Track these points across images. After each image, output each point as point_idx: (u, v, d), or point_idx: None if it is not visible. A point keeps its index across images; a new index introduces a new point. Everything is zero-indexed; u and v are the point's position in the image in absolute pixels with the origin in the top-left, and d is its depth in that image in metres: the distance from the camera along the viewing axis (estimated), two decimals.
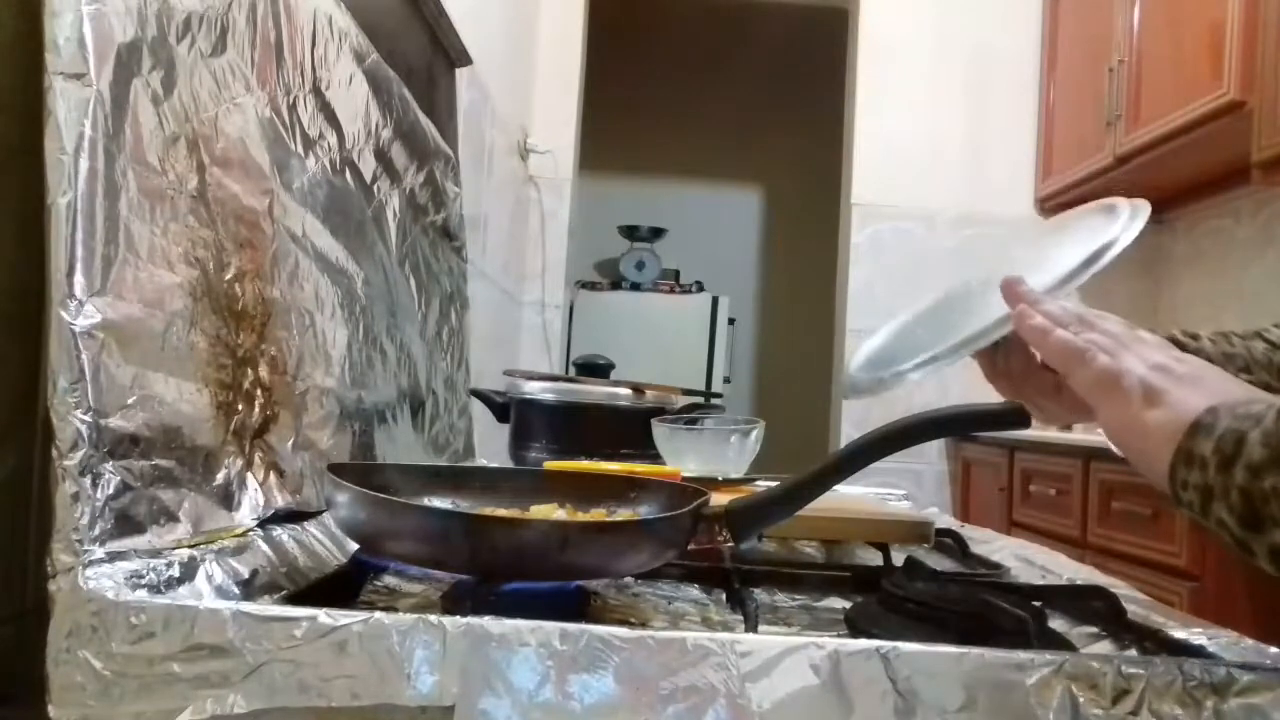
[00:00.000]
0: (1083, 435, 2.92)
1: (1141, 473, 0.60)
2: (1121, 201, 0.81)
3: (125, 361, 0.61)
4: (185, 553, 0.62)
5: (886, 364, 0.82)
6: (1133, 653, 0.67)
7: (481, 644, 0.52)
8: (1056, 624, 0.73)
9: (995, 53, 3.38)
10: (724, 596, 0.79)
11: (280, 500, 0.78)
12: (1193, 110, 2.43)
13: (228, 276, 0.76)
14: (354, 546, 0.79)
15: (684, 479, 0.96)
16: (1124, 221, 0.76)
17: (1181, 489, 0.55)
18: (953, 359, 0.75)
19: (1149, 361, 0.60)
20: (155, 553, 0.60)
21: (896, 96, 3.40)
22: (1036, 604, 0.67)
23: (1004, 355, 0.81)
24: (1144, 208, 0.78)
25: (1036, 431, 2.91)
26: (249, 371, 0.78)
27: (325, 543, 0.80)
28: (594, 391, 1.41)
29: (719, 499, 0.71)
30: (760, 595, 0.81)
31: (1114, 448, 0.62)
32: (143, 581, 0.57)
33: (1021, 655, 0.53)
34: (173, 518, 0.64)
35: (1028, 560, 0.99)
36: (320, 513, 0.82)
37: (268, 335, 0.82)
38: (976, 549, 1.04)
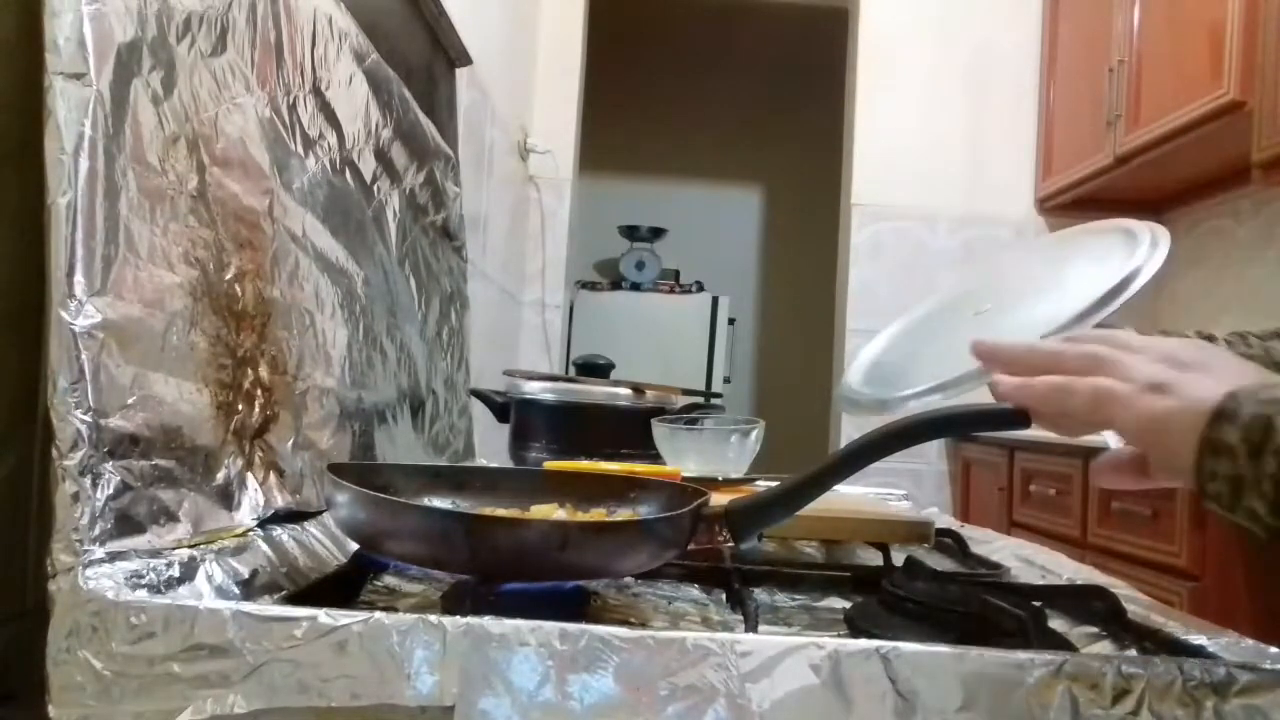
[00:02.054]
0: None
1: (1162, 468, 0.58)
2: (1139, 226, 0.77)
3: (125, 361, 0.61)
4: (185, 553, 0.62)
5: (888, 382, 0.80)
6: (1133, 653, 0.67)
7: (481, 644, 0.52)
8: (1056, 624, 0.73)
9: (995, 53, 3.38)
10: (724, 596, 0.79)
11: (280, 500, 0.78)
12: (1193, 110, 2.43)
13: (228, 276, 0.76)
14: (354, 546, 0.79)
15: (684, 479, 0.96)
16: (1145, 249, 0.72)
17: (1210, 480, 0.53)
18: (959, 392, 0.72)
19: (1154, 355, 0.58)
20: (155, 553, 0.60)
21: (896, 97, 3.40)
22: (1036, 604, 0.67)
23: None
24: (1165, 235, 0.74)
25: (1036, 431, 2.90)
26: (249, 371, 0.78)
27: (325, 543, 0.80)
28: (594, 391, 1.41)
29: (719, 499, 0.71)
30: (760, 595, 0.81)
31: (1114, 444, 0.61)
32: (143, 581, 0.57)
33: (1021, 655, 0.53)
34: (173, 518, 0.64)
35: (1028, 560, 0.99)
36: (320, 513, 0.82)
37: (268, 335, 0.82)
38: (976, 549, 1.04)
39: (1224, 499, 0.53)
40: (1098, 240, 0.82)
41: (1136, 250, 0.73)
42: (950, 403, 0.73)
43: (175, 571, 0.60)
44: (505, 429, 1.47)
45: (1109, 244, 0.78)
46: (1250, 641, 0.64)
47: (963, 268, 3.31)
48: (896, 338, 0.92)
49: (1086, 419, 0.59)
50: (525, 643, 0.52)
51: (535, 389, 1.42)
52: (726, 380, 4.41)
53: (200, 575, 0.62)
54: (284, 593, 0.69)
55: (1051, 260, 0.87)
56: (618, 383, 1.42)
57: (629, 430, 1.30)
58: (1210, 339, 0.78)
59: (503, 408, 1.46)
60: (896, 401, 0.76)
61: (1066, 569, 0.94)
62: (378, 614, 0.52)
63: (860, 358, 0.91)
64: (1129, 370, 0.57)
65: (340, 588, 0.75)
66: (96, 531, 0.56)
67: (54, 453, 0.56)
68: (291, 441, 0.83)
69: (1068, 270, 0.80)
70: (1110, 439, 0.62)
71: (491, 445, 1.72)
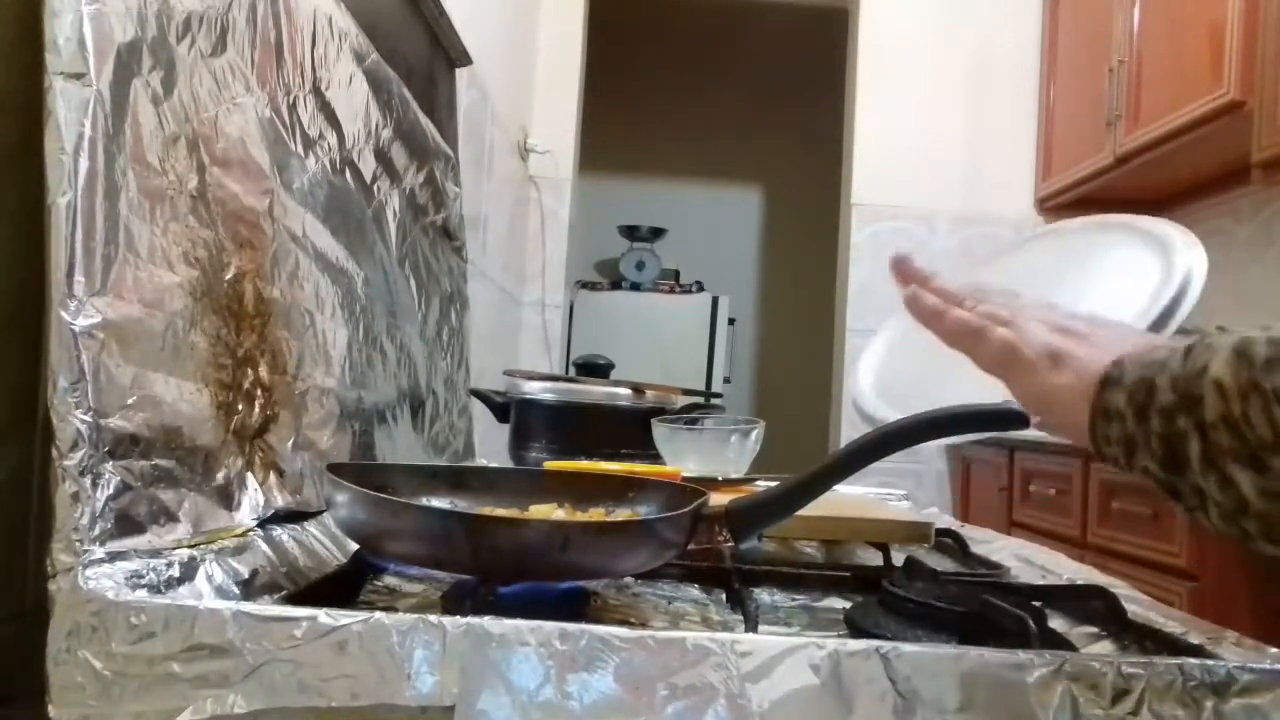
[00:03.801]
0: None
1: (1059, 436, 0.61)
2: (1172, 233, 0.76)
3: (125, 361, 0.61)
4: (185, 553, 0.62)
5: (901, 396, 0.80)
6: (1133, 653, 0.67)
7: (481, 644, 0.52)
8: (1056, 624, 0.73)
9: (995, 53, 3.38)
10: (724, 596, 0.79)
11: (280, 500, 0.78)
12: (1193, 110, 2.43)
13: (228, 276, 0.76)
14: (354, 546, 0.79)
15: (684, 479, 0.96)
16: (1183, 272, 0.72)
17: (1105, 444, 0.56)
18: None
19: (1048, 323, 0.61)
20: (155, 553, 0.60)
21: (896, 97, 3.40)
22: (1036, 604, 0.67)
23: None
24: (1197, 246, 0.74)
25: (1036, 432, 2.91)
26: (249, 371, 0.78)
27: (325, 543, 0.80)
28: (594, 391, 1.41)
29: (719, 499, 0.71)
30: (760, 595, 0.81)
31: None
32: (143, 581, 0.57)
33: (1021, 655, 0.53)
34: (173, 518, 0.64)
35: (1028, 560, 0.99)
36: (320, 513, 0.82)
37: (268, 335, 0.82)
38: (976, 549, 1.04)
39: (1119, 460, 0.55)
40: (1125, 252, 0.81)
41: (1174, 270, 0.73)
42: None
43: (175, 571, 0.60)
44: (505, 429, 1.47)
45: (1136, 257, 0.78)
46: (1250, 641, 0.64)
47: (964, 268, 3.31)
48: (900, 342, 0.91)
49: (987, 368, 0.63)
50: (525, 643, 0.52)
51: (535, 389, 1.42)
52: (726, 380, 4.41)
53: (200, 575, 0.62)
54: (284, 593, 0.69)
55: (1080, 278, 0.86)
56: (618, 383, 1.42)
57: (629, 430, 1.30)
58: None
59: (503, 408, 1.46)
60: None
61: (1066, 569, 0.94)
62: (378, 614, 0.52)
63: (865, 361, 0.91)
64: (1030, 336, 0.60)
65: (340, 588, 0.75)
66: (96, 531, 0.56)
67: (54, 453, 0.56)
68: (291, 441, 0.83)
69: (1092, 290, 0.79)
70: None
71: (491, 445, 1.72)
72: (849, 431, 3.28)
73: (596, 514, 0.78)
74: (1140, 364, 0.54)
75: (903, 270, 0.70)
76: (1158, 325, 0.71)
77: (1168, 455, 0.51)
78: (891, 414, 0.80)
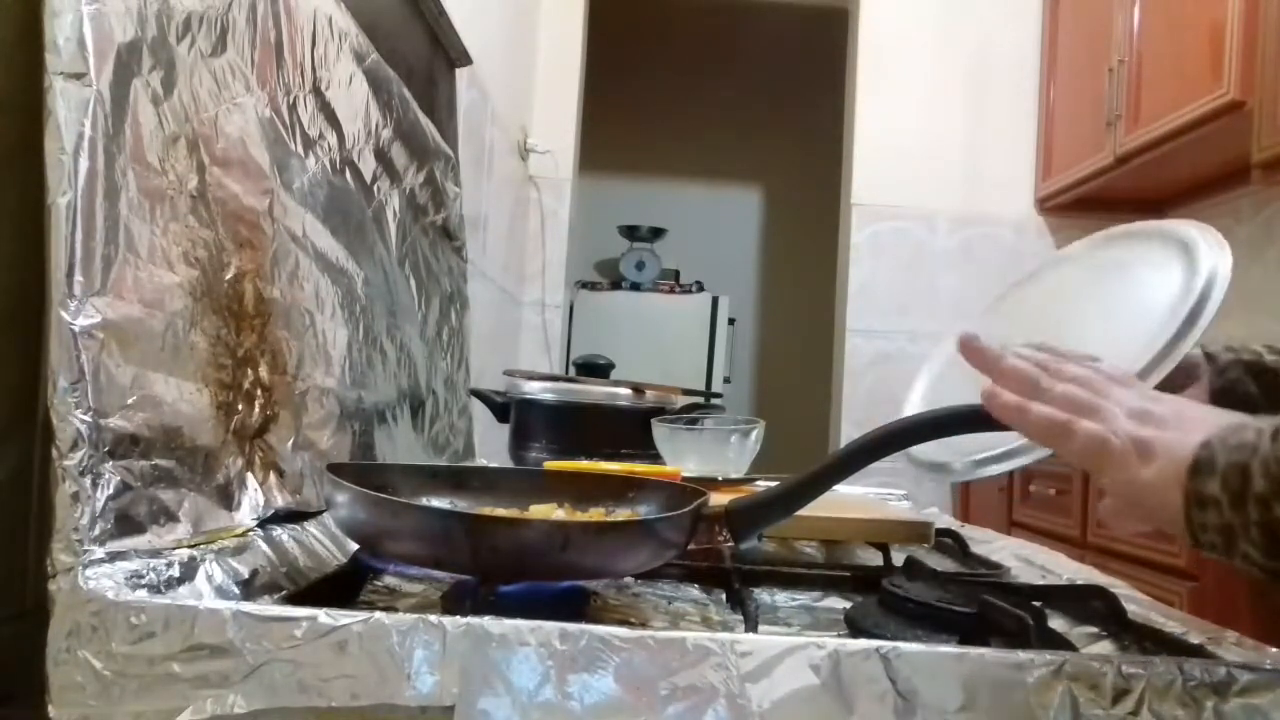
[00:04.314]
0: None
1: (1158, 526, 0.59)
2: (1194, 234, 0.76)
3: (125, 361, 0.61)
4: (185, 553, 0.62)
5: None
6: (1133, 653, 0.67)
7: (481, 644, 0.52)
8: (1056, 624, 0.73)
9: (995, 53, 3.38)
10: (724, 596, 0.79)
11: (280, 500, 0.78)
12: (1193, 110, 2.43)
13: (228, 276, 0.76)
14: (354, 546, 0.79)
15: (684, 479, 0.96)
16: (1207, 271, 0.72)
17: (1201, 531, 0.54)
18: (1027, 460, 0.72)
19: (1127, 409, 0.59)
20: (155, 553, 0.60)
21: (896, 96, 3.40)
22: (1036, 604, 0.67)
23: None
24: (1222, 244, 0.73)
25: None
26: (249, 371, 0.78)
27: (325, 543, 0.80)
28: (594, 391, 1.41)
29: (719, 499, 0.71)
30: (760, 595, 0.81)
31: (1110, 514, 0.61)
32: (143, 581, 0.57)
33: (1021, 655, 0.53)
34: (173, 518, 0.64)
35: (1028, 560, 0.99)
36: (320, 513, 0.82)
37: (268, 335, 0.82)
38: (976, 549, 1.04)
39: (1219, 548, 0.54)
40: (1146, 255, 0.81)
41: (1198, 272, 0.72)
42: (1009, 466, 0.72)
43: (175, 571, 0.60)
44: (505, 429, 1.47)
45: (1157, 259, 0.77)
46: (1250, 641, 0.64)
47: (964, 268, 3.31)
48: (948, 367, 0.90)
49: (1077, 464, 0.61)
50: (525, 643, 0.52)
51: (535, 389, 1.42)
52: (726, 380, 4.41)
53: (200, 575, 0.62)
54: (284, 593, 0.69)
55: (1103, 292, 0.85)
56: (618, 383, 1.42)
57: (629, 430, 1.30)
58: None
59: (503, 408, 1.46)
60: (965, 468, 0.76)
61: (1066, 569, 0.94)
62: (378, 614, 0.52)
63: (910, 402, 0.90)
64: (1114, 423, 0.59)
65: (340, 588, 0.75)
66: (96, 531, 0.56)
67: (54, 453, 0.56)
68: (291, 441, 0.83)
69: (1116, 305, 0.79)
70: None
71: (491, 445, 1.72)
72: (849, 431, 3.28)
73: (596, 514, 0.78)
74: (1229, 447, 0.53)
75: (972, 354, 0.67)
76: (1183, 330, 0.70)
77: (1269, 543, 0.51)
78: (944, 455, 0.79)
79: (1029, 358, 0.65)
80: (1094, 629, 0.73)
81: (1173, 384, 0.73)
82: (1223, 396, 0.78)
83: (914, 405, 0.91)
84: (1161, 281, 0.77)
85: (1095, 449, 0.58)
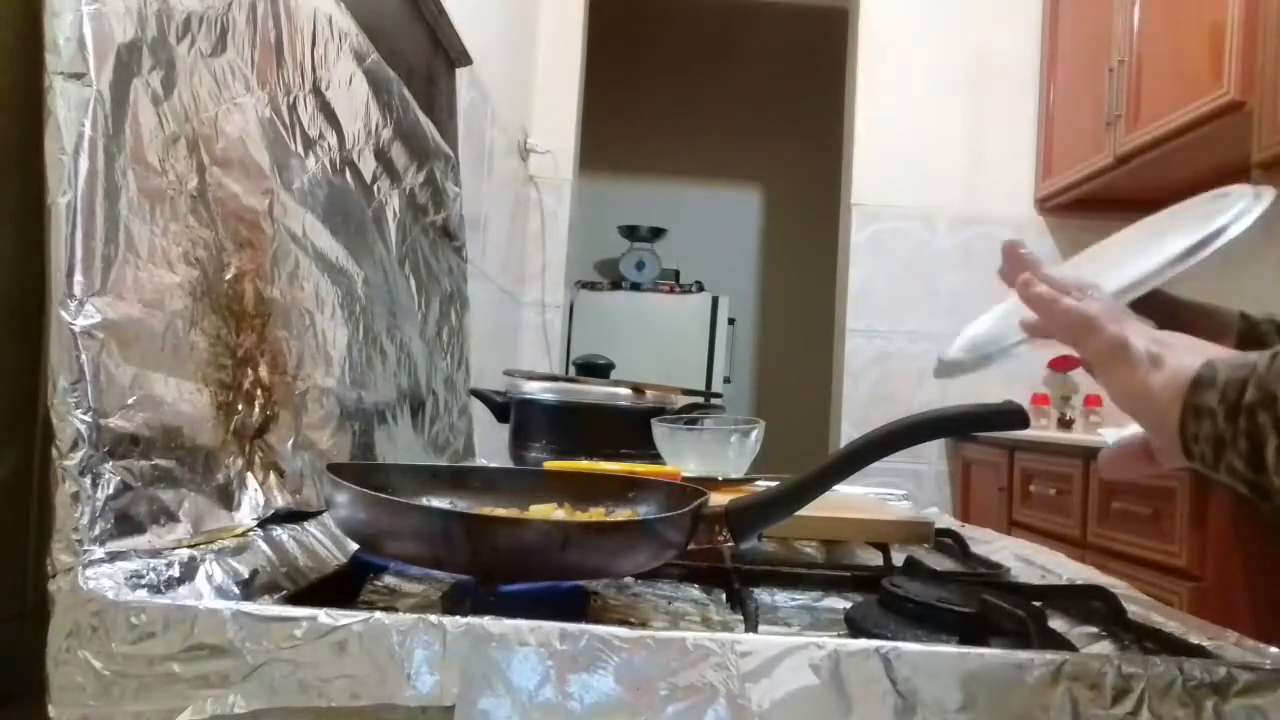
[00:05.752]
0: (1083, 435, 2.91)
1: (1150, 433, 0.61)
2: (1241, 188, 0.78)
3: (125, 361, 0.61)
4: (185, 553, 0.62)
5: (987, 344, 0.80)
6: (1133, 653, 0.67)
7: (481, 644, 0.52)
8: (1056, 624, 0.73)
9: (995, 53, 3.38)
10: (724, 596, 0.79)
11: (280, 500, 0.78)
12: (1193, 110, 2.43)
13: (228, 276, 0.76)
14: (354, 546, 0.79)
15: (684, 479, 0.96)
16: (1238, 209, 0.73)
17: (1193, 442, 0.56)
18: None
19: (1143, 332, 0.62)
20: (155, 553, 0.60)
21: (896, 96, 3.40)
22: (1036, 604, 0.67)
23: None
24: (1267, 193, 0.75)
25: (1036, 431, 2.91)
26: (249, 371, 0.78)
27: (325, 543, 0.80)
28: (594, 391, 1.41)
29: (719, 499, 0.71)
30: (760, 595, 0.81)
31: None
32: (143, 581, 0.57)
33: (1021, 655, 0.53)
34: (173, 518, 0.64)
35: (1028, 560, 0.99)
36: (320, 513, 0.82)
37: (268, 335, 0.82)
38: (976, 549, 1.04)
39: (1207, 458, 0.55)
40: (1193, 209, 0.83)
41: (1228, 210, 0.74)
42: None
43: (175, 571, 0.60)
44: (505, 429, 1.47)
45: (1206, 209, 0.79)
46: (1250, 641, 0.64)
47: (963, 268, 3.31)
48: (999, 317, 0.91)
49: (1092, 360, 0.63)
50: (525, 643, 0.52)
51: (535, 389, 1.42)
52: (726, 380, 4.41)
53: (200, 575, 0.62)
54: (284, 593, 0.69)
55: (1155, 232, 0.87)
56: (618, 383, 1.42)
57: (629, 430, 1.30)
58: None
59: (503, 408, 1.46)
60: (999, 353, 0.76)
61: (1066, 569, 0.94)
62: (378, 614, 0.52)
63: (964, 334, 0.91)
64: (1136, 335, 0.61)
65: (340, 588, 0.75)
66: (96, 531, 0.56)
67: (54, 453, 0.56)
68: (291, 441, 0.83)
69: (1154, 239, 0.80)
70: (1108, 436, 0.63)
71: (491, 445, 1.72)
72: (849, 431, 3.28)
73: (596, 514, 0.78)
74: (1232, 365, 0.55)
75: (1013, 255, 0.70)
76: (1201, 245, 0.70)
77: (1253, 454, 0.52)
78: (959, 353, 0.81)
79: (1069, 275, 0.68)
80: (1094, 629, 0.73)
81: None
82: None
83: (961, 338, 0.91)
84: (1199, 223, 0.78)
85: (1115, 347, 0.61)
